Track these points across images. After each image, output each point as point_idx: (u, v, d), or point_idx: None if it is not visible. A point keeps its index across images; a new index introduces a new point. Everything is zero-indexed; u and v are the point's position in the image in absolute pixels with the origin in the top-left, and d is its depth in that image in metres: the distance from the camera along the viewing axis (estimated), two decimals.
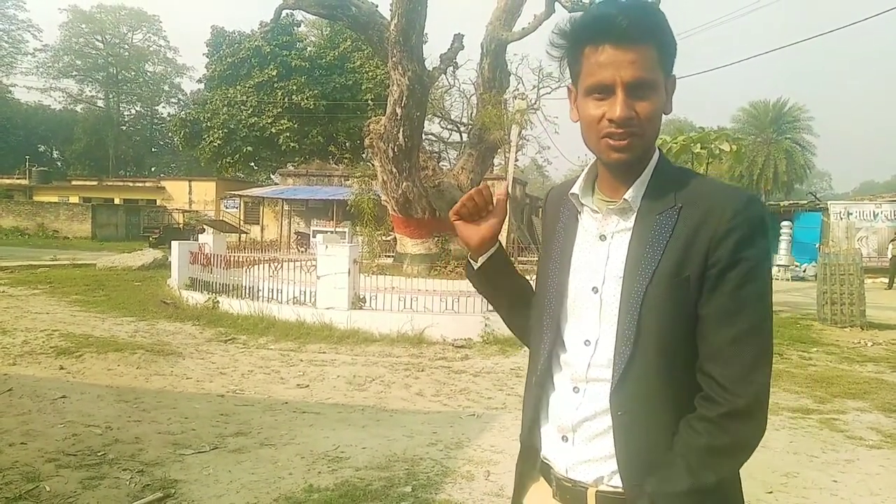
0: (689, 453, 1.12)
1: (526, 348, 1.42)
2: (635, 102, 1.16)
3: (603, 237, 1.25)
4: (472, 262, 1.44)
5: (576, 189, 1.30)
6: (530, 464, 1.35)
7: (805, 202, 27.27)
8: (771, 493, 4.01)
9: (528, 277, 1.52)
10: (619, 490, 1.19)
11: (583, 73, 1.20)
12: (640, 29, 1.14)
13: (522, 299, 1.47)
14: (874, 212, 23.41)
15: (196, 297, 10.79)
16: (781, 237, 22.23)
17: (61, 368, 6.73)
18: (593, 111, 1.19)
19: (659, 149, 1.27)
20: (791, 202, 28.86)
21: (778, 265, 21.98)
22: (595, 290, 1.23)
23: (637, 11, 1.15)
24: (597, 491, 1.21)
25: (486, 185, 1.38)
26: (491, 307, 1.64)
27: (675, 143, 19.80)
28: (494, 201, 1.38)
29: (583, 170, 1.36)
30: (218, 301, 10.38)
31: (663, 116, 1.22)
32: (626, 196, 1.22)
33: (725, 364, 1.12)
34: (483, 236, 1.38)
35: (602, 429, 1.20)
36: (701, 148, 18.90)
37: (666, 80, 1.20)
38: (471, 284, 1.51)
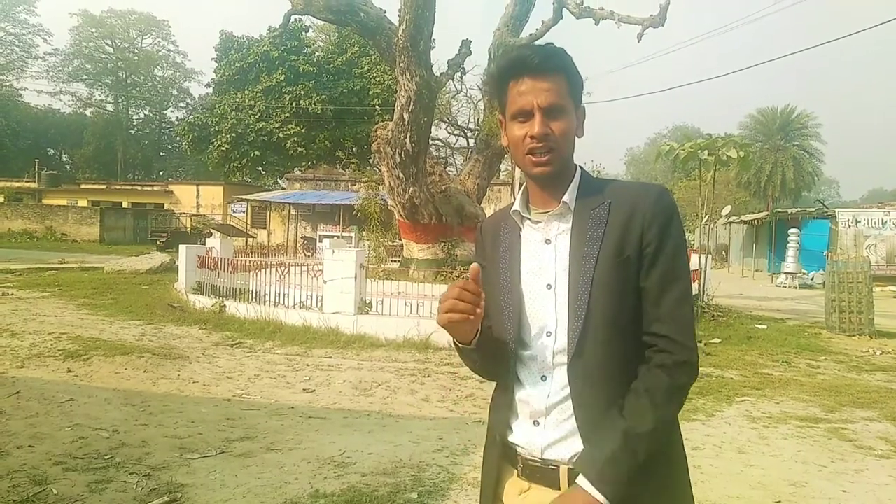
0: (654, 392, 1.32)
1: None
2: (550, 122, 1.38)
3: (548, 241, 1.44)
4: (463, 346, 1.41)
5: (516, 207, 1.49)
6: (501, 458, 1.46)
7: (813, 209, 27.10)
8: (779, 502, 3.98)
9: None
10: None
11: (508, 103, 1.43)
12: (550, 63, 1.40)
13: (501, 352, 1.46)
14: (883, 219, 23.25)
15: (203, 301, 10.83)
16: (789, 245, 22.11)
17: (69, 371, 6.76)
18: (517, 132, 1.42)
19: (579, 165, 1.49)
20: (799, 209, 28.70)
21: (786, 273, 21.87)
22: (549, 286, 1.40)
23: (547, 51, 1.42)
24: (569, 468, 1.34)
25: (469, 282, 1.32)
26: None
27: (683, 150, 19.66)
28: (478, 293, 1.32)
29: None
30: (225, 305, 10.41)
31: (577, 140, 1.45)
32: (565, 199, 1.42)
33: (674, 322, 1.35)
34: (475, 327, 1.36)
35: (569, 411, 1.36)
36: (708, 154, 18.76)
37: (576, 108, 1.44)
38: (459, 355, 1.49)
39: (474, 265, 1.38)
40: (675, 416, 1.39)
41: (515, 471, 1.42)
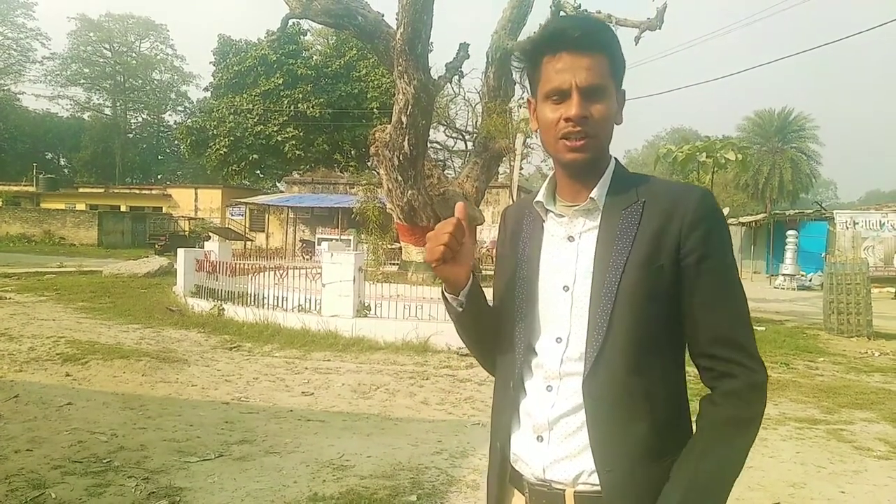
0: (732, 423, 1.20)
1: None
2: (590, 105, 1.23)
3: (571, 238, 1.30)
4: (454, 301, 1.35)
5: (539, 197, 1.35)
6: (504, 477, 1.34)
7: (811, 211, 27.17)
8: (778, 503, 3.98)
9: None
10: (598, 488, 1.20)
11: (541, 81, 1.28)
12: (592, 39, 1.24)
13: (495, 327, 1.40)
14: (880, 221, 23.31)
15: (201, 305, 10.82)
16: (787, 246, 22.15)
17: (67, 375, 6.75)
18: (550, 115, 1.26)
19: (613, 157, 1.34)
20: (797, 211, 28.76)
21: (784, 274, 21.90)
22: (566, 288, 1.27)
23: (590, 25, 1.27)
24: (574, 491, 1.22)
25: (461, 211, 1.29)
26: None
27: (681, 153, 19.71)
28: (466, 231, 1.29)
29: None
30: (223, 308, 10.40)
31: (615, 127, 1.30)
32: (592, 195, 1.28)
33: (733, 342, 1.22)
34: (466, 270, 1.32)
35: (577, 424, 1.23)
36: (707, 157, 18.81)
37: (617, 91, 1.29)
38: (453, 320, 1.41)
39: (460, 203, 1.32)
40: (750, 447, 1.24)
41: (523, 496, 1.31)
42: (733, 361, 1.21)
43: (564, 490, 1.23)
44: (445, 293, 1.36)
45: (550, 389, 1.26)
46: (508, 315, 1.35)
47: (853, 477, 4.50)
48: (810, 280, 21.39)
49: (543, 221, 1.35)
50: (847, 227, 23.43)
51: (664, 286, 1.22)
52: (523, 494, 1.30)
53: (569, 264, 1.28)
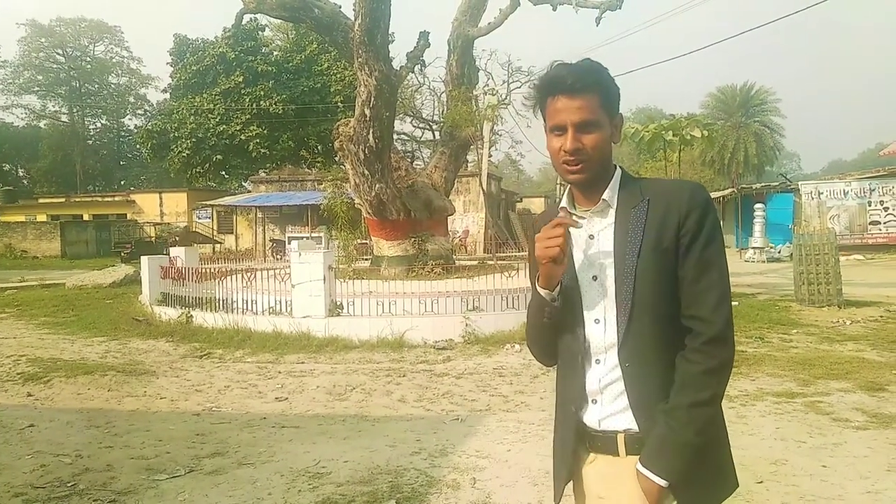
0: (687, 378, 1.48)
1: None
2: (582, 136, 1.54)
3: (592, 236, 1.61)
4: (547, 297, 1.60)
5: (564, 203, 1.66)
6: (572, 432, 1.62)
7: (776, 184, 27.55)
8: (761, 482, 3.94)
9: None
10: (639, 432, 1.52)
11: (547, 117, 1.60)
12: (583, 83, 1.54)
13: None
14: (844, 190, 23.73)
15: (169, 313, 10.53)
16: (755, 220, 22.42)
17: (29, 395, 6.50)
18: (555, 144, 1.59)
19: (620, 166, 1.64)
20: (763, 184, 29.15)
21: (753, 247, 22.19)
22: (595, 277, 1.58)
23: (582, 70, 1.56)
24: (625, 435, 1.54)
25: (564, 218, 1.56)
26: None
27: (648, 132, 19.85)
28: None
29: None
30: (191, 315, 10.14)
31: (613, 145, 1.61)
32: (604, 196, 1.59)
33: (701, 304, 1.50)
34: (562, 272, 1.58)
35: (622, 388, 1.54)
36: (673, 135, 18.97)
37: (611, 119, 1.59)
38: (538, 318, 1.66)
39: (563, 214, 1.59)
40: (716, 396, 1.51)
41: (584, 444, 1.62)
42: (700, 319, 1.49)
43: (616, 435, 1.55)
44: (540, 289, 1.61)
45: (599, 362, 1.57)
46: (565, 307, 1.61)
47: (833, 450, 4.50)
48: (779, 252, 21.71)
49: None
50: (812, 198, 23.82)
51: (671, 265, 1.52)
52: (586, 444, 1.62)
53: (594, 258, 1.59)
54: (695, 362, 1.48)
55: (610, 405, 1.55)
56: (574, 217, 1.61)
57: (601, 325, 1.56)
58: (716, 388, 1.50)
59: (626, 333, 1.51)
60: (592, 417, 1.58)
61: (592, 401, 1.58)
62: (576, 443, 1.63)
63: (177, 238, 23.31)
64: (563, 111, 1.54)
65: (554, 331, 1.66)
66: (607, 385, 1.55)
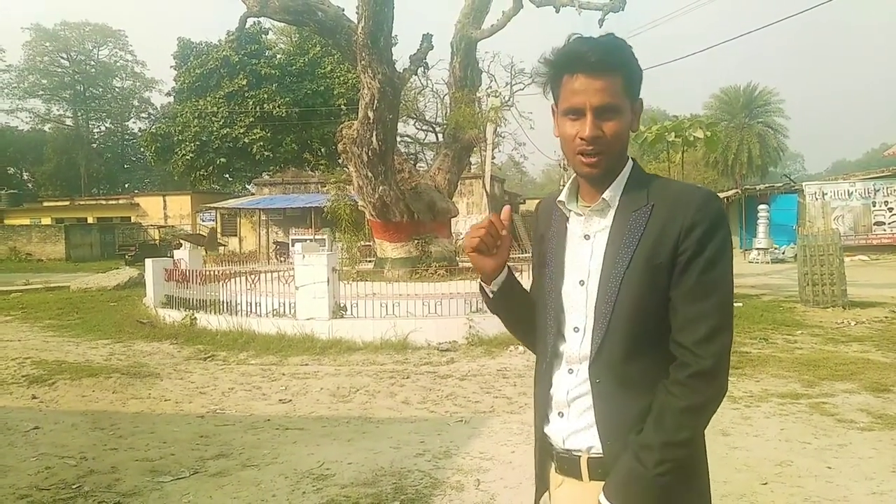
0: (665, 413, 1.33)
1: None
2: (602, 123, 1.37)
3: (587, 237, 1.45)
4: (486, 289, 1.57)
5: (562, 197, 1.50)
6: (542, 450, 1.54)
7: (780, 185, 27.50)
8: (766, 484, 3.94)
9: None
10: (603, 455, 1.40)
11: (561, 97, 1.42)
12: (607, 62, 1.36)
13: (532, 314, 1.59)
14: (848, 190, 23.65)
15: (173, 315, 10.56)
16: (759, 221, 22.37)
17: (34, 398, 6.51)
18: (569, 130, 1.40)
19: (632, 158, 1.45)
20: (767, 185, 29.08)
21: (757, 248, 22.13)
22: (581, 283, 1.43)
23: (605, 47, 1.38)
24: (588, 457, 1.42)
25: (496, 216, 1.48)
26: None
27: (651, 133, 19.79)
28: (503, 231, 1.48)
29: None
30: (196, 318, 10.16)
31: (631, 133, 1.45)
32: (605, 196, 1.42)
33: (692, 333, 1.32)
34: (497, 263, 1.51)
35: (589, 404, 1.41)
36: (676, 136, 18.91)
37: (632, 104, 1.41)
38: (486, 305, 1.64)
39: (507, 207, 1.51)
40: (693, 437, 1.36)
41: (552, 462, 1.51)
42: (687, 350, 1.32)
43: (579, 457, 1.43)
44: (481, 282, 1.57)
45: (571, 372, 1.45)
46: (542, 305, 1.53)
47: (838, 451, 4.48)
48: (783, 253, 21.66)
49: (567, 220, 1.50)
50: (816, 199, 23.75)
51: (662, 282, 1.35)
52: (553, 462, 1.51)
53: (584, 261, 1.44)
54: (676, 396, 1.32)
55: (576, 420, 1.43)
56: (567, 211, 1.50)
57: (580, 333, 1.43)
58: (694, 428, 1.35)
59: (600, 348, 1.38)
60: (558, 435, 1.47)
61: (559, 413, 1.46)
62: (548, 461, 1.55)
63: (181, 241, 23.30)
64: (582, 92, 1.35)
65: (528, 325, 1.59)
66: (575, 398, 1.43)
